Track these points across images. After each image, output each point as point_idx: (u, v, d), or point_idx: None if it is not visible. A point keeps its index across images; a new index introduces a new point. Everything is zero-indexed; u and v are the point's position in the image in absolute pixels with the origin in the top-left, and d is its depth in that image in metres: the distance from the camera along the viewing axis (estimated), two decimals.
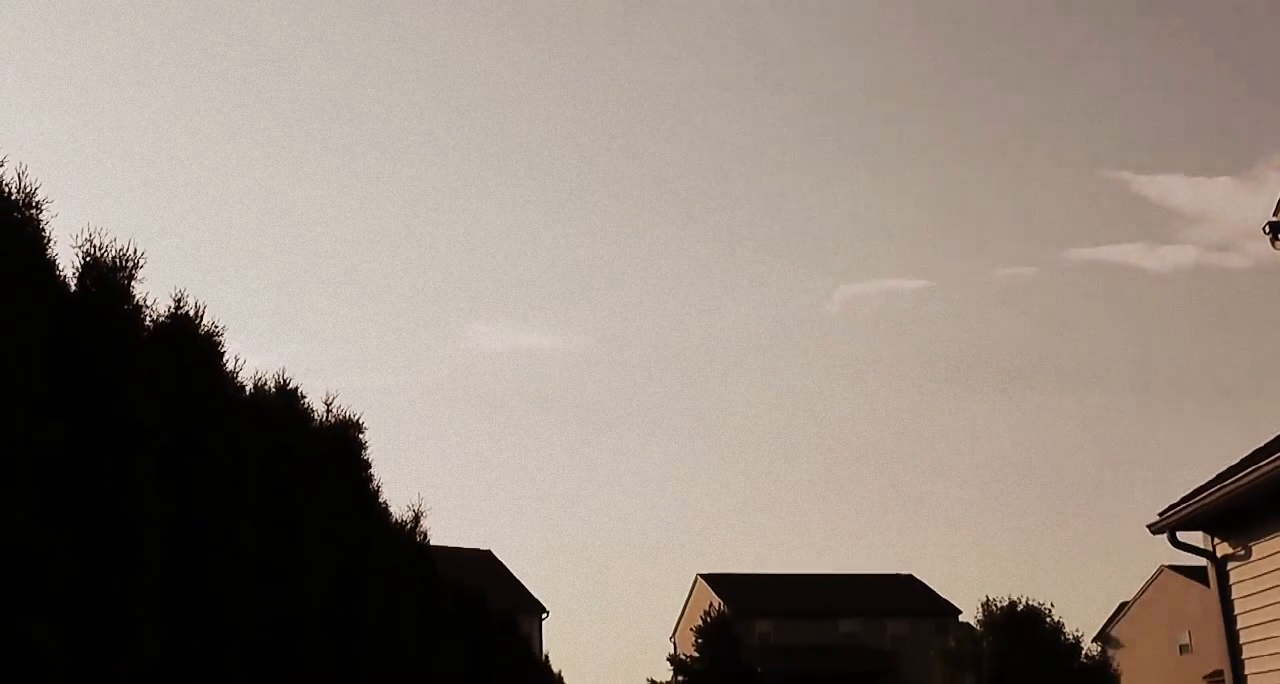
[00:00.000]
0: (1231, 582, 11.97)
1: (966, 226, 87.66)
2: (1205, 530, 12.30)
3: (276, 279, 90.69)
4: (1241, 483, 10.86)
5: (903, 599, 66.30)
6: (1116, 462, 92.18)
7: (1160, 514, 12.27)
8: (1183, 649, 59.92)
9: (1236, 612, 11.89)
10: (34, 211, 4.70)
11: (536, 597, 59.57)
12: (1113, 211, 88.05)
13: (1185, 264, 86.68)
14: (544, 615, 58.09)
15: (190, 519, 5.35)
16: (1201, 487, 11.61)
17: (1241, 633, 11.83)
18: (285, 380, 7.79)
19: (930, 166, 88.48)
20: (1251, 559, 11.54)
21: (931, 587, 69.37)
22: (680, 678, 30.43)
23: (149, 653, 4.72)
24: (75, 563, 4.32)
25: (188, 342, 5.98)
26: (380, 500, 9.51)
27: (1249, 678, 11.74)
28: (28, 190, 4.70)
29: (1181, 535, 12.29)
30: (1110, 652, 41.02)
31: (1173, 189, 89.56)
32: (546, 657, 26.35)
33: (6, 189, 4.58)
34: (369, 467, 8.98)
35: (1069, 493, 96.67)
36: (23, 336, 4.05)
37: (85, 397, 4.66)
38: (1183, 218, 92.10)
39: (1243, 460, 11.16)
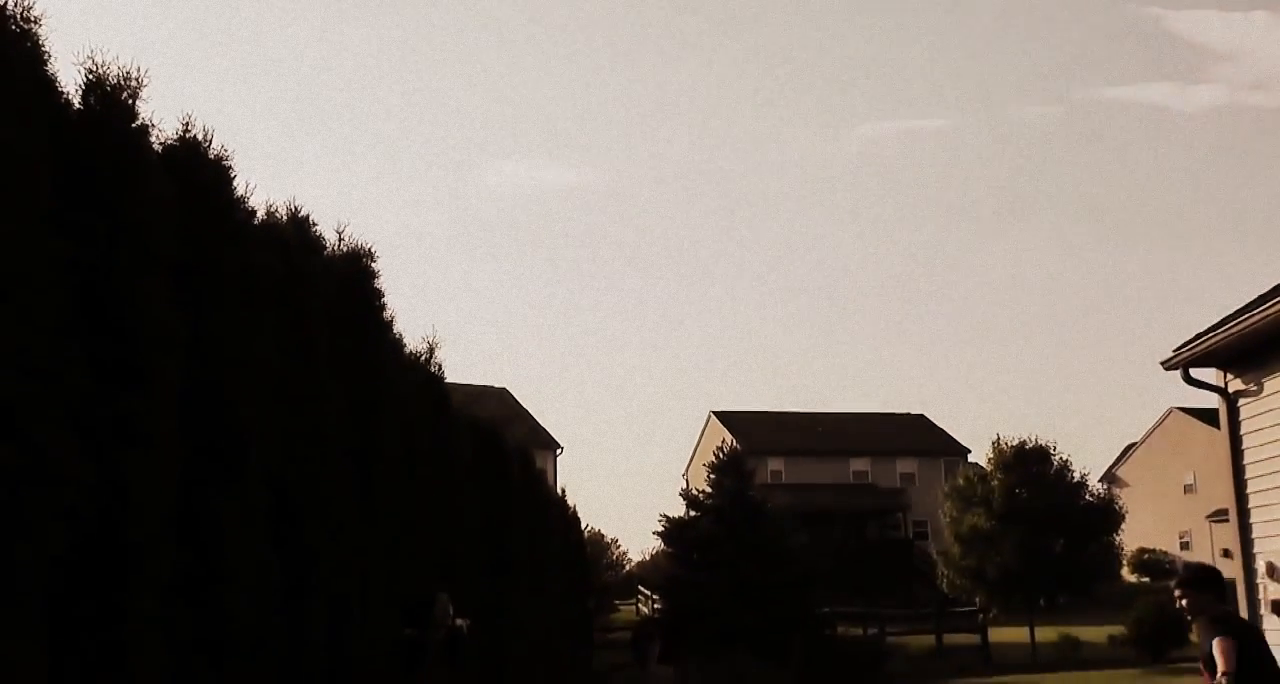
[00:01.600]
0: (1241, 418, 12.02)
1: (989, 66, 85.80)
2: (1219, 367, 12.29)
3: (286, 118, 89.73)
4: (1257, 319, 10.80)
5: (913, 438, 67.03)
6: (1135, 302, 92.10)
7: (1175, 350, 12.25)
8: (1187, 489, 60.91)
9: (1245, 446, 11.98)
10: (32, 26, 4.58)
11: (551, 433, 60.50)
12: (1142, 49, 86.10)
13: (1216, 103, 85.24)
14: (558, 451, 59.07)
15: (204, 340, 5.35)
16: (1217, 323, 11.57)
17: (1248, 468, 11.93)
18: (296, 208, 7.73)
19: (952, 2, 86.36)
20: (1263, 395, 11.57)
21: (942, 426, 70.14)
22: (693, 513, 30.94)
23: (167, 470, 4.77)
24: (89, 379, 4.32)
25: (197, 164, 5.90)
26: (394, 332, 9.52)
27: (1252, 511, 11.88)
28: (25, 3, 4.57)
29: (1195, 372, 12.28)
30: (1116, 491, 41.62)
31: (1205, 25, 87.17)
32: (562, 491, 26.77)
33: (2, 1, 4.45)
34: (382, 296, 8.96)
35: (1085, 334, 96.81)
36: (24, 147, 3.97)
37: (93, 214, 4.60)
38: (1215, 55, 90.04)
39: (1260, 297, 11.08)
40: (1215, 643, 7.05)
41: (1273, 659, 7.29)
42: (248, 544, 5.55)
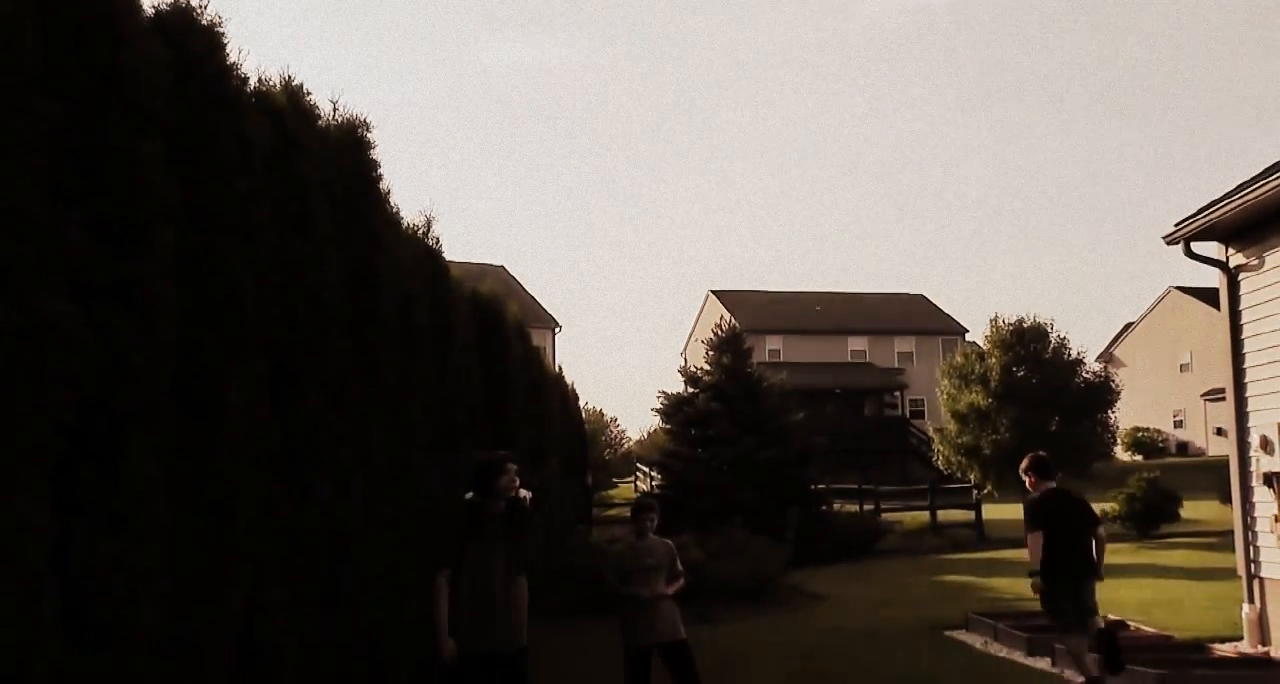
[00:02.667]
0: (1242, 292, 12.01)
1: None
2: (1221, 241, 12.24)
3: None
4: (1261, 191, 10.73)
5: (911, 318, 67.21)
6: (1138, 181, 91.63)
7: (1176, 224, 12.19)
8: (1183, 368, 61.24)
9: (1244, 321, 11.98)
10: None
11: (549, 311, 60.62)
12: None
13: None
14: (557, 329, 59.27)
15: (199, 207, 5.29)
16: (1220, 196, 11.48)
17: (1247, 342, 11.95)
18: (290, 78, 7.60)
19: None
20: (1264, 269, 11.54)
21: (940, 306, 70.25)
22: (691, 390, 31.09)
23: (165, 336, 4.75)
24: (86, 244, 4.28)
25: (189, 30, 5.78)
26: (391, 205, 9.44)
27: (1249, 385, 11.93)
28: None
29: (1196, 246, 12.23)
30: (1112, 370, 41.85)
31: None
32: (560, 368, 26.89)
33: None
34: (378, 167, 8.87)
35: (1085, 214, 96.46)
36: (8, 5, 3.87)
37: (84, 75, 4.51)
38: None
39: (1265, 169, 10.98)
40: (1029, 538, 9.98)
41: (1080, 527, 9.98)
42: (247, 411, 5.57)
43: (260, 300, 5.86)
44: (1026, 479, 10.42)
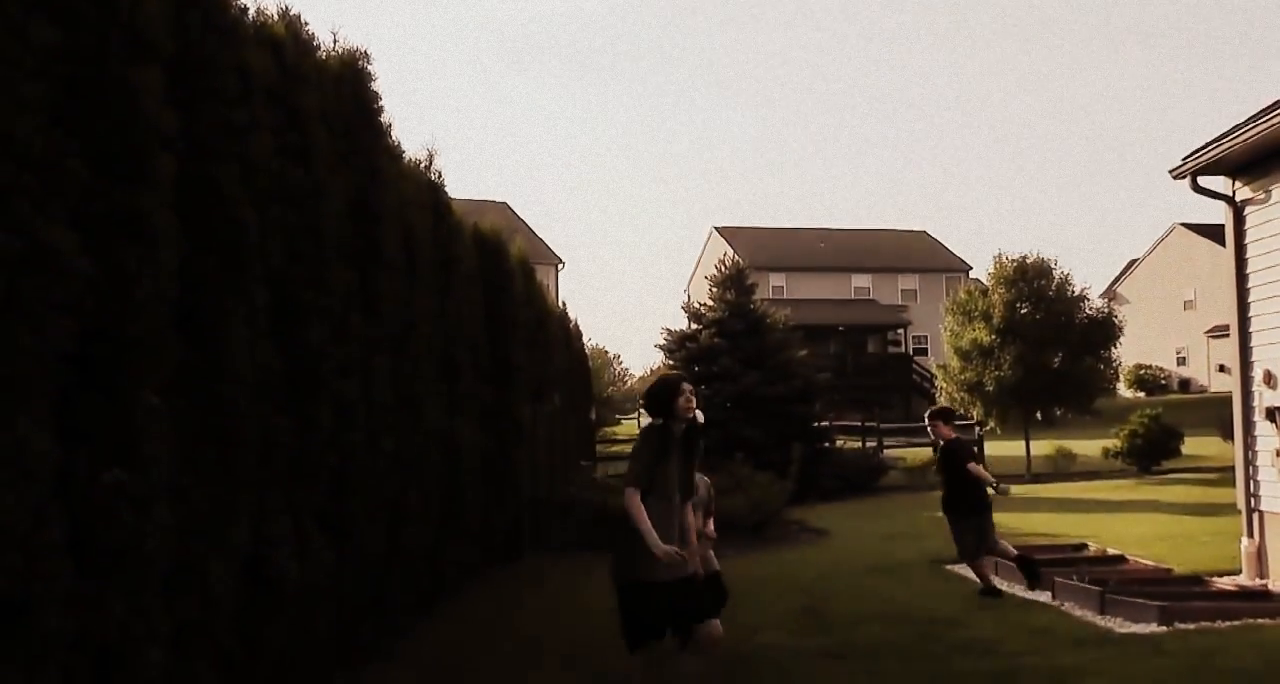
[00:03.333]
0: (1247, 226, 11.95)
1: None
2: (1227, 175, 12.15)
3: None
4: (1269, 125, 10.64)
5: (915, 255, 67.07)
6: (1145, 115, 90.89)
7: (1183, 158, 12.10)
8: (1186, 305, 61.20)
9: (1249, 255, 11.93)
10: None
11: (552, 248, 60.48)
12: None
13: None
14: (560, 265, 59.17)
15: (199, 137, 5.25)
16: (1228, 130, 11.39)
17: (1251, 277, 11.91)
18: (287, 8, 7.52)
19: None
20: (1270, 203, 11.47)
21: (944, 243, 70.06)
22: (694, 326, 31.09)
23: (166, 266, 4.73)
24: (86, 172, 4.25)
25: None
26: (392, 138, 9.39)
27: (1253, 320, 11.91)
28: None
29: (1203, 180, 12.14)
30: (1116, 307, 41.76)
31: None
32: (563, 304, 26.86)
33: None
34: (379, 99, 8.81)
35: (1091, 151, 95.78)
36: None
37: (83, 3, 4.44)
38: None
39: (1274, 103, 10.88)
40: (972, 469, 11.24)
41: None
42: (250, 342, 5.56)
43: (261, 231, 5.84)
44: (936, 427, 11.62)
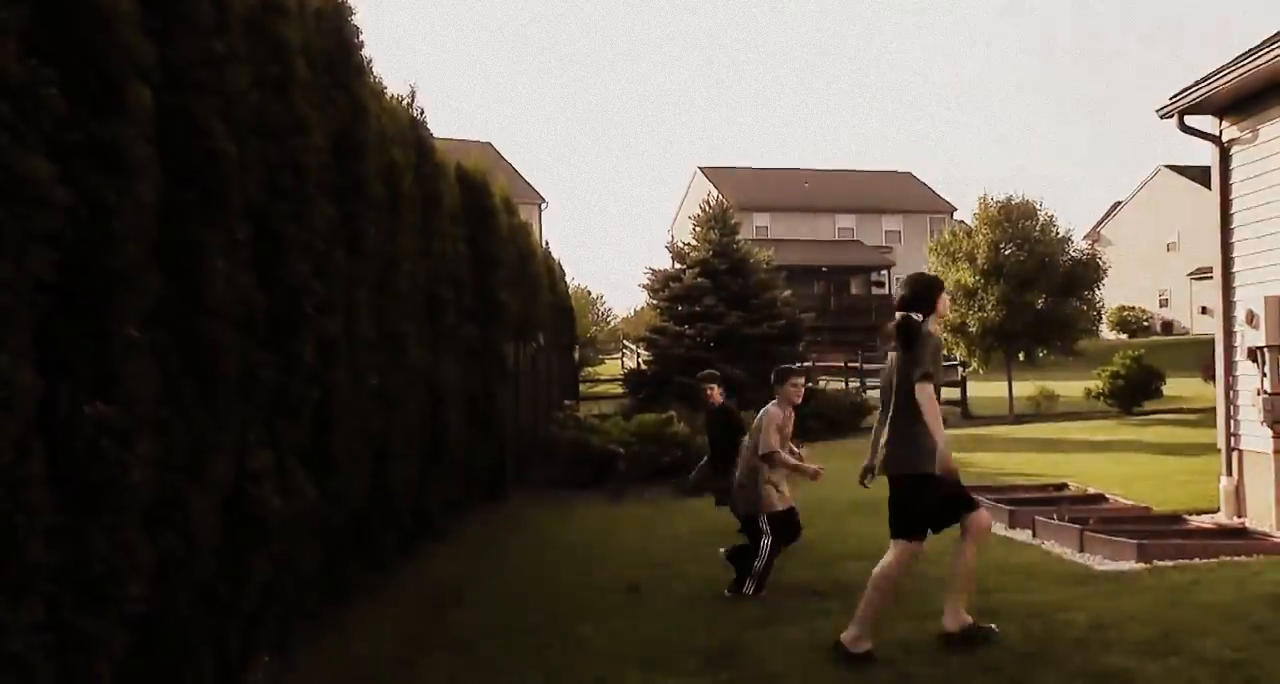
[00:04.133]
0: (1233, 166, 11.92)
1: None
2: (1215, 114, 12.10)
3: None
4: (1258, 63, 10.58)
5: (899, 196, 66.96)
6: (1133, 54, 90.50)
7: (1171, 98, 12.04)
8: (1169, 247, 61.29)
9: (1234, 195, 11.92)
10: None
11: (535, 188, 60.19)
12: None
13: None
14: (543, 205, 58.93)
15: (176, 68, 5.17)
16: (1216, 69, 11.33)
17: (1236, 217, 11.90)
18: None
19: None
20: (1257, 142, 11.44)
21: (928, 185, 69.92)
22: (678, 266, 31.04)
23: (145, 198, 4.67)
24: (63, 101, 4.17)
25: None
26: (374, 75, 9.28)
27: (1237, 260, 11.92)
28: None
29: (1190, 120, 12.09)
30: (1099, 248, 41.77)
31: None
32: (546, 245, 26.74)
33: None
34: (360, 33, 8.70)
35: (1077, 92, 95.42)
36: None
37: None
38: None
39: (1264, 41, 10.80)
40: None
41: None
42: (230, 276, 5.52)
43: (241, 165, 5.77)
44: (713, 390, 10.97)
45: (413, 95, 11.13)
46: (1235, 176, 11.88)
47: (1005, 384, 31.92)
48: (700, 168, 66.12)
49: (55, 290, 4.05)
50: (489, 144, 59.74)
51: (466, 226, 13.04)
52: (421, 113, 11.19)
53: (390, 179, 9.22)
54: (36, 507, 3.82)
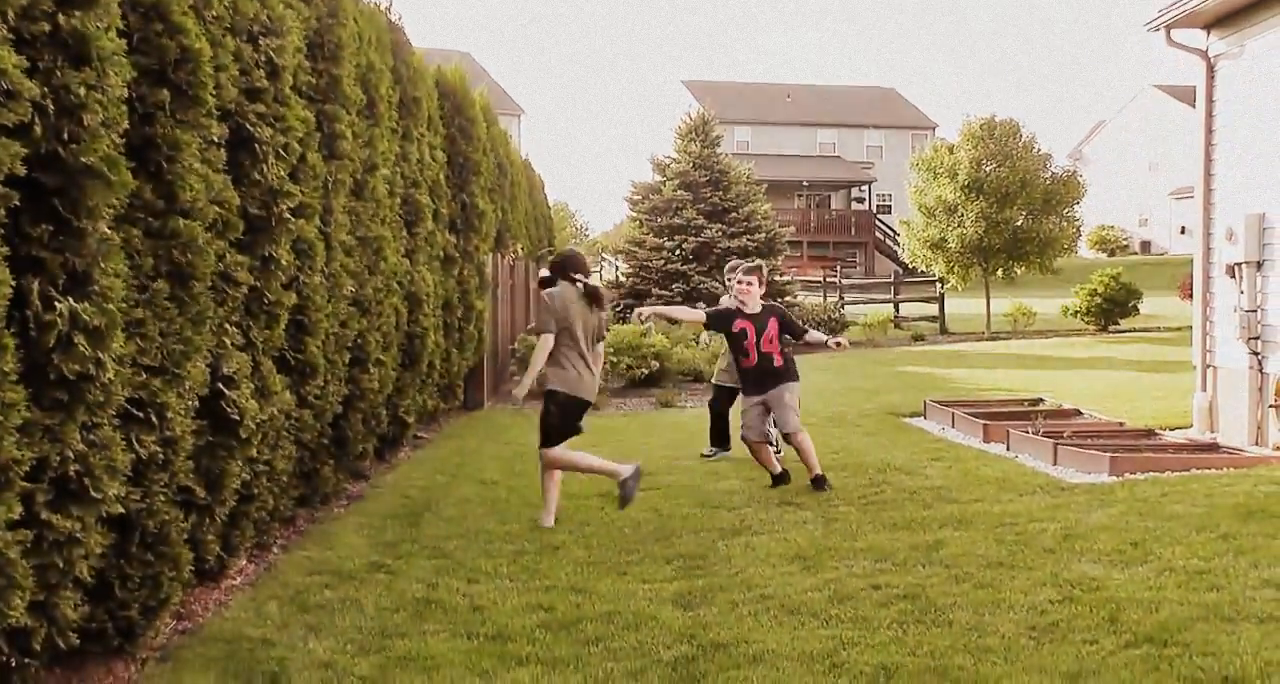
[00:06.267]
0: (1218, 80, 11.85)
1: None
2: (1203, 28, 11.98)
3: None
4: None
5: (882, 112, 66.54)
6: None
7: (1159, 10, 11.91)
8: (1151, 167, 61.22)
9: (1218, 111, 11.86)
10: None
11: (514, 98, 59.62)
12: None
13: None
14: (521, 115, 58.42)
15: None
16: None
17: (1219, 132, 11.86)
18: None
19: None
20: (1243, 56, 11.36)
21: (913, 102, 69.49)
22: (659, 179, 30.87)
23: (116, 93, 4.58)
24: None
25: None
26: None
27: (1218, 177, 11.89)
28: None
29: (1177, 34, 11.97)
30: (1081, 167, 41.68)
31: None
32: (526, 156, 26.49)
33: None
34: None
35: (1065, 8, 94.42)
36: None
37: None
38: None
39: None
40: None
41: None
42: (204, 176, 5.43)
43: (215, 64, 5.65)
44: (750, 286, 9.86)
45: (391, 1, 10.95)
46: (1219, 93, 11.82)
47: (983, 302, 32.01)
48: (684, 81, 65.49)
49: (25, 184, 3.98)
50: (468, 55, 59.08)
51: (445, 133, 12.91)
52: (400, 18, 11.02)
53: (367, 83, 9.09)
54: (9, 403, 3.78)
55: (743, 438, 9.71)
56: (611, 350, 18.79)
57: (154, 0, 5.10)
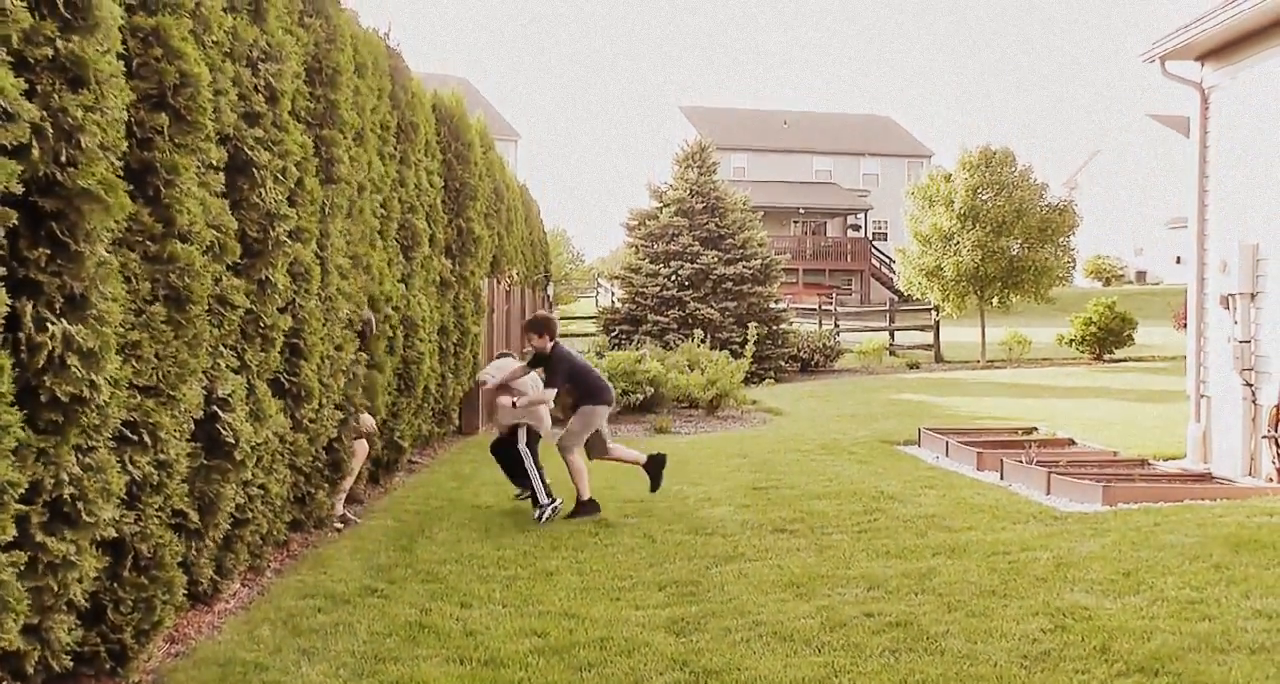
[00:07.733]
0: (1212, 112, 11.91)
1: None
2: (1197, 60, 12.06)
3: None
4: (1240, 10, 10.54)
5: (878, 139, 66.77)
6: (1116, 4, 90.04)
7: (1154, 42, 11.99)
8: (1146, 196, 61.37)
9: (1211, 142, 11.92)
10: None
11: (511, 124, 59.81)
12: None
13: None
14: (518, 140, 58.59)
15: None
16: (1200, 15, 11.28)
17: (1212, 163, 11.91)
18: None
19: None
20: (1236, 88, 11.43)
21: (909, 130, 69.73)
22: (656, 205, 30.94)
23: (115, 117, 4.60)
24: (28, 12, 4.09)
25: None
26: (346, 7, 9.15)
27: (1212, 207, 11.95)
28: None
29: (1172, 66, 12.04)
30: (1076, 196, 41.83)
31: None
32: (524, 184, 26.54)
33: None
34: None
35: (1059, 41, 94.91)
36: None
37: None
38: None
39: None
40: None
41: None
42: (202, 200, 5.45)
43: (214, 89, 5.69)
44: (532, 340, 10.01)
45: (389, 27, 11.03)
46: (1214, 124, 11.89)
47: (979, 330, 32.06)
48: (681, 107, 65.73)
49: (24, 207, 4.00)
50: (465, 80, 59.34)
51: (442, 158, 12.95)
52: (398, 44, 11.08)
53: (363, 106, 9.13)
54: (4, 425, 3.79)
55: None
56: (606, 375, 18.85)
57: (154, 25, 5.14)
